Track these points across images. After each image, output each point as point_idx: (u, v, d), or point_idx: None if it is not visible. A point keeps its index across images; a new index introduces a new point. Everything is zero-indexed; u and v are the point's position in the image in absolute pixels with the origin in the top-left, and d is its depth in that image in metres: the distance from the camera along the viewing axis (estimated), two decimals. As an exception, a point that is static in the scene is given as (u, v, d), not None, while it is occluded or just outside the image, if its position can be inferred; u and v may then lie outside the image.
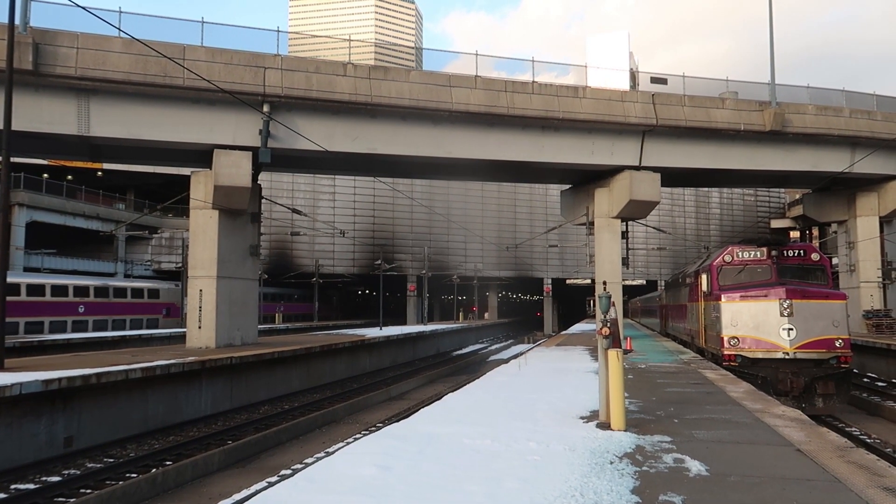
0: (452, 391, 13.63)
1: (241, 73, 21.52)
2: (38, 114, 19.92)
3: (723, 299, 15.96)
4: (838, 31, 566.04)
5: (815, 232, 67.47)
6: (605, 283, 11.72)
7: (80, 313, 39.40)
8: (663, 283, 58.56)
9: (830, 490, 5.61)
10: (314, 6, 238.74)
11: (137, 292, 44.66)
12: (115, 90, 20.53)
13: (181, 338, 27.08)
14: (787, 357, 14.80)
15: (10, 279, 37.81)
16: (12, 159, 17.43)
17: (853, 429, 15.47)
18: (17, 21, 17.49)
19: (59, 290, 38.47)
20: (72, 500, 10.52)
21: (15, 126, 15.97)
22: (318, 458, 13.02)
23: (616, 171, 26.39)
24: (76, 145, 22.78)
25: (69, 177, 52.94)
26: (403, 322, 61.50)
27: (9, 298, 36.53)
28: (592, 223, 27.60)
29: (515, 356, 24.12)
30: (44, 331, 36.25)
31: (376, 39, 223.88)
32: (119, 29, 14.18)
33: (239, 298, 24.11)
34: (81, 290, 39.90)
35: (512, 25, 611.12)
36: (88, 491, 11.06)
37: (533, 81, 24.99)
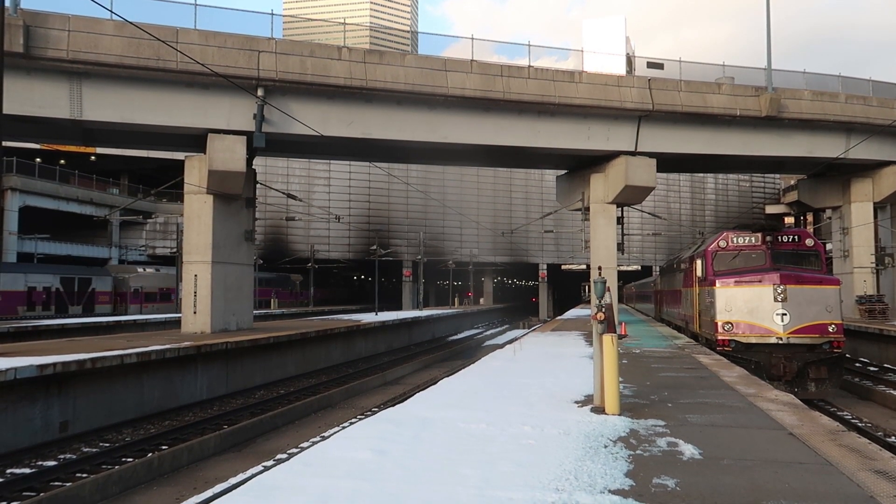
0: (448, 376, 13.68)
1: (236, 57, 21.33)
2: (29, 97, 19.71)
3: (717, 285, 16.00)
4: (837, 15, 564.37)
5: (810, 217, 67.72)
6: (600, 268, 11.71)
7: None
8: (658, 268, 58.74)
9: (822, 473, 5.66)
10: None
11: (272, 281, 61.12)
12: (107, 73, 20.34)
13: (176, 323, 27.06)
14: (780, 342, 14.88)
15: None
16: (4, 143, 17.28)
17: (845, 413, 15.60)
18: (8, 3, 17.28)
19: None
20: (68, 484, 10.54)
21: (6, 110, 15.83)
22: (314, 443, 13.09)
23: (612, 156, 26.34)
24: (69, 129, 22.60)
25: (62, 161, 52.55)
26: (399, 307, 61.56)
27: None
28: (588, 209, 27.61)
29: (510, 341, 24.21)
30: None
31: (371, 23, 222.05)
32: (111, 11, 14.02)
33: (234, 283, 24.07)
34: None
35: (512, 8, 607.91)
36: (84, 475, 11.08)
37: (529, 66, 24.85)
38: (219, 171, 21.73)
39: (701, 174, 71.22)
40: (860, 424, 14.31)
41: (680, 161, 29.62)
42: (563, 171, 30.29)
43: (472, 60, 24.22)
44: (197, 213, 22.98)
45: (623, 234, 28.03)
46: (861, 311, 30.02)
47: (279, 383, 22.07)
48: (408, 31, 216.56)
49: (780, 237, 16.51)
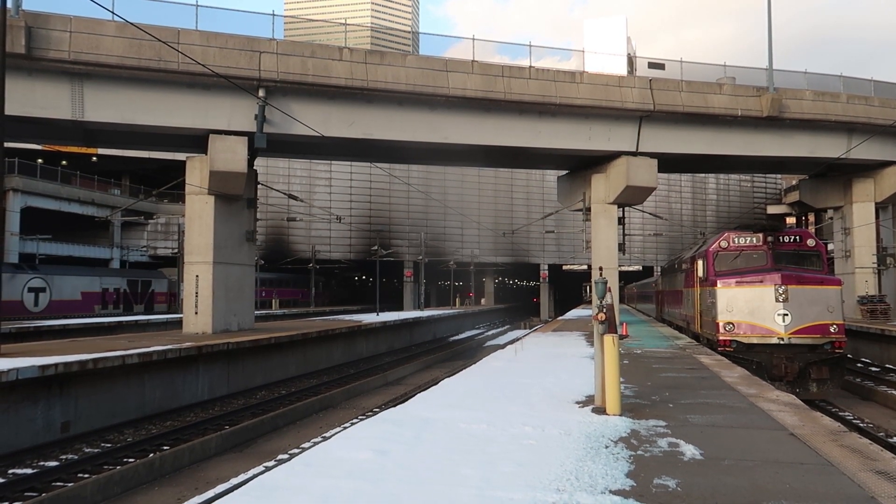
0: (449, 376, 13.68)
1: (237, 58, 21.34)
2: (31, 98, 19.74)
3: (718, 285, 16.00)
4: (838, 14, 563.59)
5: (812, 218, 67.58)
6: (601, 268, 11.73)
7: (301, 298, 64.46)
8: (659, 268, 58.70)
9: (823, 473, 5.66)
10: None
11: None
12: (109, 74, 20.36)
13: (177, 323, 27.07)
14: (781, 342, 14.87)
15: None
16: (6, 144, 17.30)
17: (846, 413, 15.59)
18: (9, 4, 17.30)
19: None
20: (69, 484, 10.56)
21: (8, 111, 15.86)
22: (315, 443, 13.09)
23: (613, 156, 26.32)
24: (70, 130, 22.62)
25: (64, 162, 52.54)
26: (400, 308, 61.52)
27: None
28: (589, 209, 27.59)
29: (512, 342, 24.20)
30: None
31: (373, 24, 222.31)
32: (112, 12, 14.08)
33: (235, 284, 24.07)
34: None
35: (514, 8, 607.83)
36: (86, 476, 11.09)
37: (530, 66, 24.84)
38: (220, 171, 21.75)
39: (702, 174, 71.17)
40: (862, 425, 14.30)
41: (681, 161, 29.61)
42: (565, 172, 30.28)
43: (473, 61, 24.22)
44: (198, 214, 23.00)
45: (624, 235, 28.03)
46: (863, 311, 30.00)
47: (280, 384, 22.08)
48: (409, 32, 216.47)
49: (781, 237, 16.50)
